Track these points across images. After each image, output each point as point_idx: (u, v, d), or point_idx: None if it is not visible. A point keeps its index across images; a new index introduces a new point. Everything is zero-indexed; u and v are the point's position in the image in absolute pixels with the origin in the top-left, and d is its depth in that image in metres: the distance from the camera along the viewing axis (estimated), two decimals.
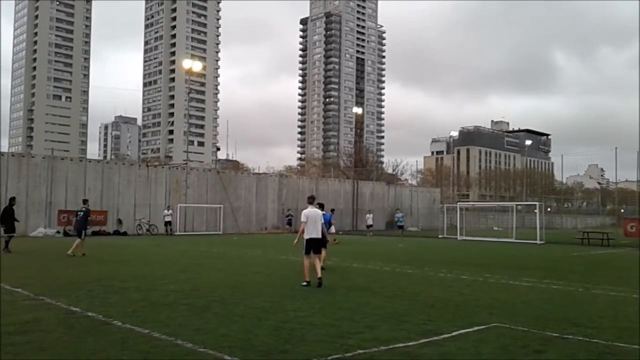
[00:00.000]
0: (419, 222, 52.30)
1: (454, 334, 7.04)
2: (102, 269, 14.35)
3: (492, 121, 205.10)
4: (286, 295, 9.87)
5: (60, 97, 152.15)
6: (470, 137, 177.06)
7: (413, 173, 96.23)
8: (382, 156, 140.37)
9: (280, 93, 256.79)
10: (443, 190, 72.40)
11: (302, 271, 11.32)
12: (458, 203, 42.69)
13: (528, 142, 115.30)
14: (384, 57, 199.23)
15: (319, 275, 11.12)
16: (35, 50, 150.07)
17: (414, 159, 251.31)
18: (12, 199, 19.63)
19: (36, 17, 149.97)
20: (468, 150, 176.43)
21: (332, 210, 28.94)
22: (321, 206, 13.68)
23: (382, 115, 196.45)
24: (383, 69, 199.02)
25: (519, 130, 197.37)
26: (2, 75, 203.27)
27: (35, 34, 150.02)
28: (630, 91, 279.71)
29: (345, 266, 16.05)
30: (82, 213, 18.84)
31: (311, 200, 11.76)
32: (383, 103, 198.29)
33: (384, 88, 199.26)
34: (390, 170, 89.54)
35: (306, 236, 11.25)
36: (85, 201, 20.54)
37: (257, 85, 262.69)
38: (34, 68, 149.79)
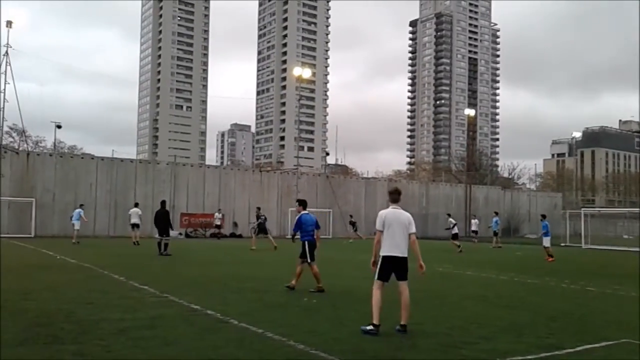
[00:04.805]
0: (538, 228, 49.50)
1: (578, 349, 6.55)
2: (220, 269, 15.06)
3: (620, 121, 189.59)
4: (395, 301, 9.72)
5: (181, 107, 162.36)
6: (595, 138, 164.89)
7: (531, 177, 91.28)
8: (497, 159, 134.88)
9: (384, 98, 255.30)
10: (565, 195, 68.08)
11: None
12: (582, 209, 39.85)
13: None
14: (498, 56, 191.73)
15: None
16: (159, 64, 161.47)
17: (532, 162, 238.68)
18: (163, 202, 20.54)
19: (160, 32, 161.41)
20: (593, 152, 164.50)
21: (544, 216, 24.02)
22: (301, 203, 11.57)
23: (497, 117, 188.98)
24: (497, 69, 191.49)
25: None
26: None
27: (159, 48, 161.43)
28: None
29: (458, 273, 15.57)
30: (264, 217, 24.42)
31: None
32: (497, 104, 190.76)
33: (498, 88, 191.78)
34: (506, 174, 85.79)
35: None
36: (258, 208, 26.42)
37: (360, 91, 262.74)
38: (158, 80, 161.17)
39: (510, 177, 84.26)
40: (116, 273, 13.05)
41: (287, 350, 6.14)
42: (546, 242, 22.22)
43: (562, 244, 34.14)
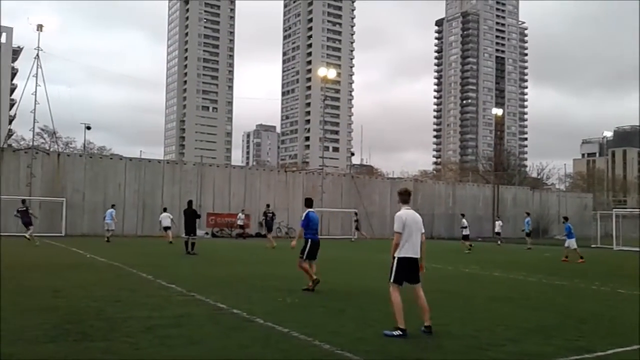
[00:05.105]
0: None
1: (609, 352, 6.42)
2: (245, 268, 15.16)
3: None
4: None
5: (208, 108, 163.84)
6: (627, 137, 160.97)
7: (561, 177, 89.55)
8: (526, 159, 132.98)
9: (409, 98, 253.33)
10: (596, 195, 66.67)
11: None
12: (614, 210, 38.96)
13: None
14: (526, 54, 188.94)
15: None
16: (185, 66, 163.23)
17: (561, 162, 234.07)
18: (190, 202, 20.81)
19: (186, 34, 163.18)
20: (625, 152, 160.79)
21: (566, 219, 23.75)
22: (307, 202, 11.62)
23: (525, 116, 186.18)
24: (525, 67, 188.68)
25: None
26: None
27: (186, 50, 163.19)
28: None
29: (485, 275, 15.39)
30: (271, 214, 24.98)
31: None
32: (526, 103, 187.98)
33: (526, 87, 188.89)
34: (534, 174, 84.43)
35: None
36: (267, 206, 26.94)
37: (385, 91, 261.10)
38: (185, 82, 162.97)
39: (539, 177, 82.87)
40: (144, 272, 13.23)
41: (313, 350, 6.14)
42: (572, 243, 21.84)
43: (593, 246, 33.44)
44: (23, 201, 24.58)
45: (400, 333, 6.82)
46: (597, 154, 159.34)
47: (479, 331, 7.41)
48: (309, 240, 10.83)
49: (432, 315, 7.12)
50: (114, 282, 11.48)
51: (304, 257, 10.78)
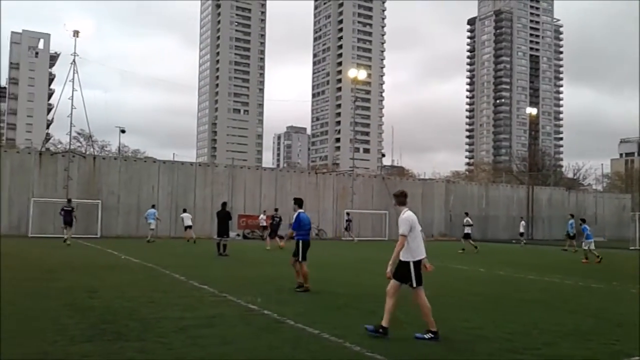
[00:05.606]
0: (605, 231, 47.40)
1: None
2: (275, 270, 15.23)
3: None
4: (454, 305, 9.56)
5: (239, 111, 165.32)
6: None
7: (598, 177, 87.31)
8: (561, 159, 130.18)
9: (441, 98, 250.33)
10: (634, 196, 64.88)
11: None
12: None
13: None
14: (561, 52, 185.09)
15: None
16: (217, 69, 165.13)
17: (598, 162, 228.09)
18: (224, 204, 20.92)
19: (218, 38, 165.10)
20: None
21: (583, 220, 23.60)
22: (297, 202, 11.63)
23: (560, 115, 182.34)
24: (560, 66, 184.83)
25: None
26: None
27: (218, 53, 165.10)
28: None
29: (520, 277, 15.12)
30: (278, 219, 24.54)
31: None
32: (561, 102, 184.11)
33: (561, 86, 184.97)
34: (570, 175, 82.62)
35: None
36: (276, 209, 26.57)
37: (416, 91, 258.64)
38: (217, 85, 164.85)
39: (575, 177, 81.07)
40: (177, 273, 13.42)
41: (343, 352, 6.15)
42: (585, 243, 21.58)
43: (632, 248, 32.57)
44: (69, 200, 25.45)
45: (432, 336, 6.78)
46: (636, 154, 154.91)
47: (513, 334, 7.29)
48: (300, 241, 10.87)
49: (466, 317, 7.06)
50: (147, 283, 11.67)
51: (300, 258, 10.81)
